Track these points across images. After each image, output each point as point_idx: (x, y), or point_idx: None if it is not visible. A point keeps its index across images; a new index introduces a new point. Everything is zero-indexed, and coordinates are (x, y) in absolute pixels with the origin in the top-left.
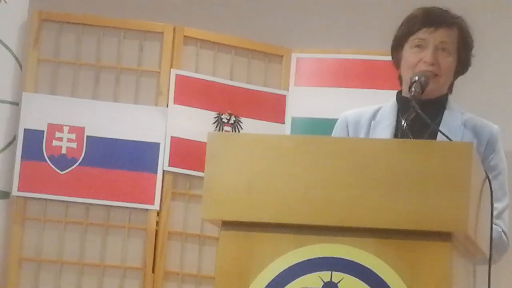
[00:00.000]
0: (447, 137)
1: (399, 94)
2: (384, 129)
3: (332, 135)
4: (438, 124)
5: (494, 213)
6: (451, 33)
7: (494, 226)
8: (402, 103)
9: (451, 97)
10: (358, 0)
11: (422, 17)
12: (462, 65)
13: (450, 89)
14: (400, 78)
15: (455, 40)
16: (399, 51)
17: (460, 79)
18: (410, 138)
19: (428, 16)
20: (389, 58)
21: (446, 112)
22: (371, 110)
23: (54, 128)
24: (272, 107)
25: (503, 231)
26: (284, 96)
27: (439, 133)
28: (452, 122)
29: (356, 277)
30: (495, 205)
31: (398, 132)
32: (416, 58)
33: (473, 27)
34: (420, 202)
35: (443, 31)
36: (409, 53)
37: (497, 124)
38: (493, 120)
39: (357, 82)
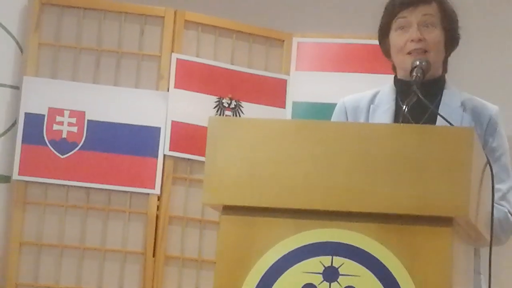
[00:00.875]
0: (448, 122)
1: (395, 77)
2: (384, 113)
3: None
4: (438, 105)
5: (499, 194)
6: (431, 8)
7: (500, 207)
8: (400, 87)
9: (448, 78)
10: None
11: (399, 0)
12: (451, 38)
13: (445, 68)
14: (394, 68)
15: (437, 14)
16: (386, 40)
17: (458, 60)
18: (411, 122)
19: None
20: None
21: (444, 92)
22: (369, 94)
23: (55, 112)
24: (273, 92)
25: (509, 211)
26: (285, 81)
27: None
28: (451, 103)
29: (357, 262)
30: (499, 186)
31: (398, 116)
32: (403, 39)
33: (473, 9)
34: (421, 187)
35: (422, 7)
36: (395, 37)
37: (497, 105)
38: (492, 101)
39: (358, 67)
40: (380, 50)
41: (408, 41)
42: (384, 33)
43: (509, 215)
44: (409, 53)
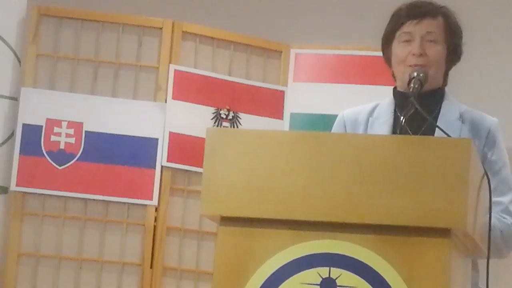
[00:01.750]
0: (446, 133)
1: (395, 89)
2: (382, 125)
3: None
4: (436, 117)
5: (501, 207)
6: (436, 22)
7: (502, 219)
8: (399, 98)
9: (447, 90)
10: None
11: (405, 10)
12: (453, 53)
13: (445, 81)
14: (393, 76)
15: (441, 29)
16: (388, 48)
17: (458, 73)
18: (409, 133)
19: (411, 9)
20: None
21: (443, 105)
22: (368, 107)
23: (53, 123)
24: (270, 103)
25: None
26: (283, 92)
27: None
28: (449, 115)
29: (354, 273)
30: (500, 199)
31: (396, 128)
32: (405, 52)
33: (471, 20)
34: (419, 199)
35: (428, 21)
36: (397, 48)
37: (496, 117)
38: (492, 113)
39: (356, 78)
40: (378, 61)
41: (410, 54)
42: (387, 41)
43: (511, 226)
44: (410, 66)
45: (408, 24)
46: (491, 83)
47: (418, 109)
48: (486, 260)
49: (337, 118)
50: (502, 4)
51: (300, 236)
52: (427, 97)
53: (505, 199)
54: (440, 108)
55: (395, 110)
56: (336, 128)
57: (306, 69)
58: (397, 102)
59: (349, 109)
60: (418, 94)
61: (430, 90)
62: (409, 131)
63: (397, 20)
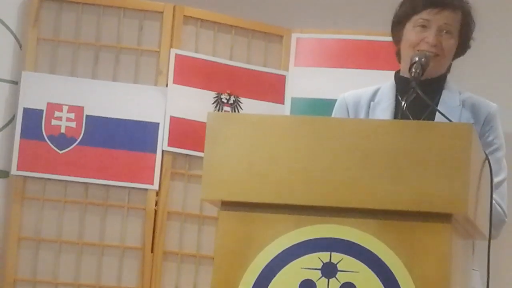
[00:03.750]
0: (447, 118)
1: (397, 74)
2: (384, 110)
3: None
4: (437, 103)
5: None
6: (455, 15)
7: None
8: (401, 83)
9: (449, 77)
10: None
11: None
12: (462, 47)
13: (448, 69)
14: (398, 54)
15: (458, 23)
16: (400, 28)
17: (460, 61)
18: (410, 118)
19: None
20: (389, 38)
21: (444, 92)
22: (370, 90)
23: (54, 107)
24: (272, 88)
25: (498, 204)
26: (284, 77)
27: (437, 113)
28: (450, 102)
29: (355, 258)
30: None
31: (398, 113)
32: (419, 37)
33: (474, 8)
34: (420, 184)
35: (448, 13)
36: (411, 32)
37: (497, 103)
38: (492, 99)
39: (357, 63)
40: (379, 46)
41: (424, 41)
42: (401, 21)
43: (498, 207)
44: (420, 51)
45: (428, 11)
46: (491, 71)
47: (419, 95)
48: (480, 242)
49: (338, 101)
50: None
51: (301, 221)
52: (429, 84)
53: (495, 179)
54: (441, 95)
55: (396, 95)
56: (338, 110)
57: (307, 53)
58: (399, 87)
59: (350, 92)
60: (421, 81)
61: (432, 77)
62: (410, 117)
63: (417, 4)
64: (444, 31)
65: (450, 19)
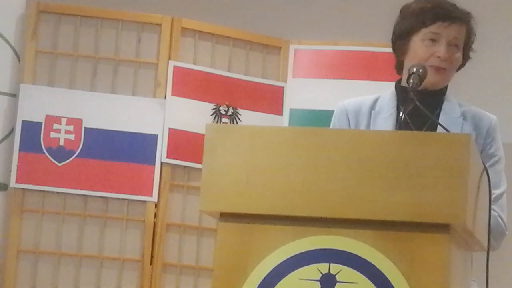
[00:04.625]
0: (445, 129)
1: (398, 83)
2: (385, 119)
3: (331, 124)
4: (438, 114)
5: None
6: (461, 29)
7: (492, 211)
8: (402, 93)
9: (449, 89)
10: None
11: (435, 10)
12: (464, 58)
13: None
14: (398, 66)
15: (463, 36)
16: (406, 41)
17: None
18: (412, 129)
19: (442, 10)
20: (387, 49)
21: (445, 103)
22: (370, 99)
23: (52, 119)
24: (270, 99)
25: (499, 215)
26: (282, 88)
27: (438, 124)
28: (451, 113)
29: (354, 269)
30: (492, 191)
31: (399, 123)
32: (429, 52)
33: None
34: (419, 194)
35: (456, 27)
36: (420, 45)
37: (495, 114)
38: (490, 110)
39: (356, 74)
40: (377, 57)
41: (434, 56)
42: (406, 34)
43: (499, 219)
44: (430, 66)
45: (438, 25)
46: (488, 81)
47: (415, 105)
48: (478, 253)
49: (338, 108)
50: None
51: (300, 232)
52: (431, 96)
53: (496, 191)
54: (441, 106)
55: (398, 105)
56: (337, 118)
57: (305, 65)
58: (400, 97)
59: (350, 99)
60: (421, 92)
61: (434, 89)
62: (412, 127)
63: (425, 17)
64: (453, 45)
65: (458, 33)
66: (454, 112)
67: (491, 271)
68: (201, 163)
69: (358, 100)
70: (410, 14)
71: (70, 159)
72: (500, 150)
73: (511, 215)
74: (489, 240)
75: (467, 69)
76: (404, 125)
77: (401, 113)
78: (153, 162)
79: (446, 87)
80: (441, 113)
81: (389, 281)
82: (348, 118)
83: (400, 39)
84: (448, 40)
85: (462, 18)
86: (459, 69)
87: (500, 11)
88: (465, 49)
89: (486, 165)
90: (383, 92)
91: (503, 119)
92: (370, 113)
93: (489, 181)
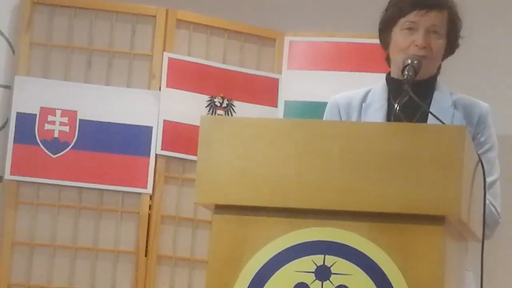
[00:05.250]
0: (439, 120)
1: (388, 75)
2: (376, 111)
3: (323, 119)
4: (429, 104)
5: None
6: (441, 16)
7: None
8: (393, 85)
9: (439, 78)
10: None
11: None
12: (451, 46)
13: (438, 70)
14: (388, 60)
15: (445, 23)
16: (387, 32)
17: (449, 62)
18: (403, 120)
19: None
20: (380, 45)
21: (436, 93)
22: (361, 92)
23: (47, 111)
24: (265, 91)
25: (492, 204)
26: (277, 80)
27: (430, 114)
28: (442, 103)
29: (349, 261)
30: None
31: (390, 115)
32: (407, 41)
33: (462, 8)
34: (413, 186)
35: (434, 14)
36: (399, 36)
37: (488, 103)
38: (484, 99)
39: (351, 66)
40: (372, 49)
41: (413, 45)
42: (388, 25)
43: (492, 207)
44: (412, 54)
45: (414, 14)
46: (482, 70)
47: (411, 97)
48: (475, 244)
49: (329, 103)
50: None
51: (295, 224)
52: (420, 86)
53: (488, 179)
54: (432, 96)
55: (388, 97)
56: (329, 112)
57: (300, 56)
58: (391, 89)
59: (341, 94)
60: (412, 83)
61: (423, 79)
62: (403, 119)
63: (403, 7)
64: (432, 32)
65: (437, 20)
66: (445, 102)
67: (486, 260)
68: (196, 155)
69: (349, 94)
70: (390, 6)
71: (65, 151)
72: (492, 137)
73: (504, 204)
74: (483, 231)
75: (459, 58)
76: (396, 117)
77: (396, 105)
78: (148, 154)
79: (435, 77)
80: (431, 103)
81: (384, 273)
82: (339, 112)
83: (383, 32)
84: (426, 28)
85: (440, 5)
86: (447, 57)
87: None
88: (450, 36)
89: (478, 153)
90: (374, 85)
91: (494, 109)
92: (361, 106)
93: (483, 173)
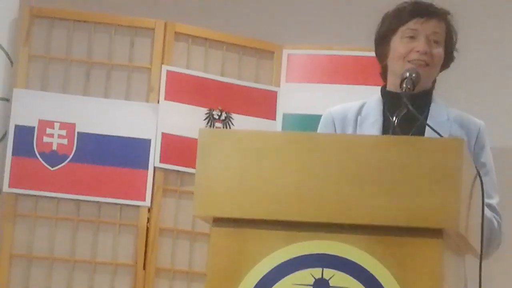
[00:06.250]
0: (437, 133)
1: (383, 88)
2: (371, 125)
3: (318, 132)
4: (425, 118)
5: (491, 209)
6: (440, 25)
7: (493, 217)
8: (389, 98)
9: (435, 92)
10: None
11: (412, 7)
12: (448, 58)
13: (433, 84)
14: (382, 74)
15: (443, 33)
16: (386, 42)
17: (445, 76)
18: (399, 134)
19: (418, 6)
20: (376, 57)
21: (432, 106)
22: (356, 105)
23: (45, 124)
24: (263, 104)
25: (498, 221)
26: (275, 92)
27: (427, 127)
28: (438, 117)
29: (347, 274)
30: (489, 201)
31: (386, 128)
32: (408, 48)
33: (458, 21)
34: (411, 199)
35: (434, 22)
36: (399, 44)
37: (481, 120)
38: (477, 114)
39: (348, 79)
40: (370, 62)
41: (414, 51)
42: (387, 35)
43: (496, 223)
44: (410, 61)
45: (414, 21)
46: (476, 84)
47: (408, 110)
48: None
49: (324, 116)
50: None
51: (293, 237)
52: (417, 99)
53: (493, 201)
54: (428, 110)
55: (384, 110)
56: (324, 125)
57: (298, 69)
58: (386, 102)
59: (335, 107)
60: (409, 96)
61: (420, 92)
62: (400, 132)
63: (402, 16)
64: (433, 40)
65: (437, 28)
66: (441, 116)
67: (484, 274)
68: (194, 168)
69: (344, 106)
70: (387, 17)
71: (63, 163)
72: (490, 157)
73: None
74: (481, 245)
75: (453, 71)
76: (393, 130)
77: (394, 118)
78: (146, 167)
79: (431, 90)
80: (428, 116)
81: (382, 286)
82: (334, 125)
83: (380, 43)
84: (427, 35)
85: (439, 14)
86: (443, 69)
87: (484, 10)
88: (447, 47)
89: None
90: (369, 98)
91: (489, 122)
92: (356, 119)
93: (482, 185)
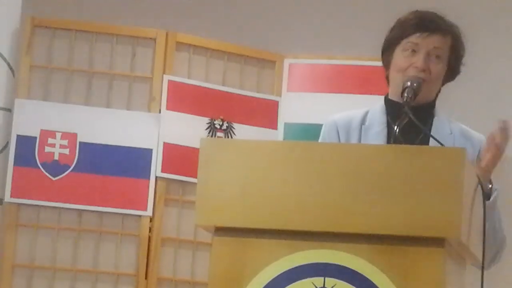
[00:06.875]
0: (439, 142)
1: (386, 97)
2: (377, 134)
3: (320, 139)
4: (429, 130)
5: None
6: (444, 40)
7: (501, 234)
8: (391, 107)
9: (437, 105)
10: (350, 6)
11: (416, 21)
12: (451, 72)
13: (436, 97)
14: (387, 78)
15: (447, 48)
16: (390, 53)
17: (448, 87)
18: (403, 143)
19: (422, 20)
20: (381, 63)
21: (435, 119)
22: (359, 114)
23: (47, 134)
24: (264, 113)
25: (503, 231)
26: (277, 102)
27: (431, 139)
28: (441, 130)
29: (349, 283)
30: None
31: (390, 137)
32: (407, 62)
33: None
34: (413, 208)
35: (437, 37)
36: (400, 57)
37: (482, 133)
38: (477, 128)
39: (350, 88)
40: (372, 71)
41: (412, 66)
42: (390, 46)
43: (502, 231)
44: (408, 76)
45: (417, 36)
46: (476, 98)
47: (411, 121)
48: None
49: (328, 123)
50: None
51: (295, 246)
52: (419, 111)
53: (495, 216)
54: (431, 123)
55: (387, 120)
56: (327, 133)
57: (300, 79)
58: (389, 111)
59: (339, 114)
60: (411, 107)
61: (422, 104)
62: (402, 141)
63: (406, 28)
64: (434, 55)
65: (439, 43)
66: (444, 129)
67: (485, 284)
68: (196, 177)
69: (347, 114)
70: (394, 27)
71: (65, 173)
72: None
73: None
74: (483, 255)
75: (456, 84)
76: (396, 140)
77: (395, 127)
78: (147, 176)
79: (434, 103)
80: (431, 129)
81: None
82: (338, 133)
83: (386, 50)
84: (427, 51)
85: (443, 29)
86: (447, 82)
87: (491, 22)
88: (451, 61)
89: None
90: (372, 106)
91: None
92: (361, 128)
93: (483, 195)
